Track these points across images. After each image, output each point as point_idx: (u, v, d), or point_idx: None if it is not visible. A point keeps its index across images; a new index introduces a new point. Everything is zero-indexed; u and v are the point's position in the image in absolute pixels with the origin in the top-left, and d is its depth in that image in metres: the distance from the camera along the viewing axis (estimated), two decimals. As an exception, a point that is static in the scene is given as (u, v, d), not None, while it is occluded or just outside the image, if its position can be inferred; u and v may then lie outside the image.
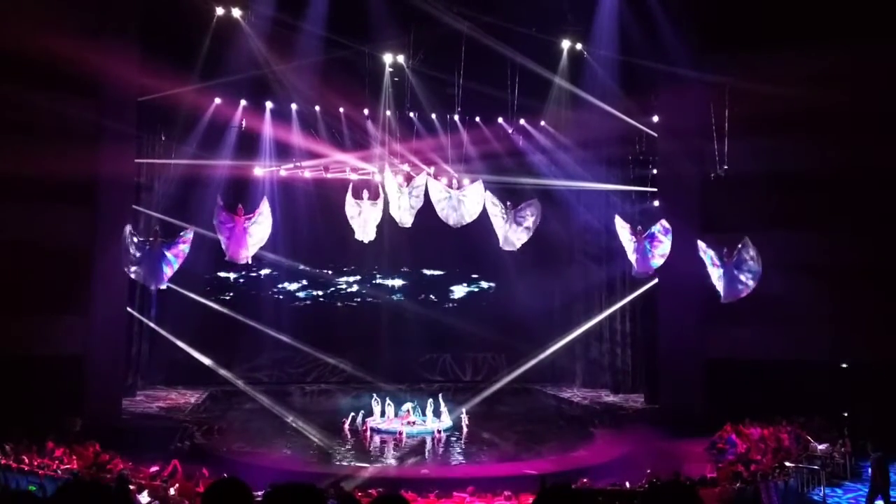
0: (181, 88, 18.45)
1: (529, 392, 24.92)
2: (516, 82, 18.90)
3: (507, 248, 18.18)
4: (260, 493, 4.85)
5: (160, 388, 22.27)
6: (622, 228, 17.53)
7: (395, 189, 17.37)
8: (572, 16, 18.91)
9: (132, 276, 16.16)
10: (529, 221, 17.66)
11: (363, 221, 17.50)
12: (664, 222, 17.10)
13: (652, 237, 16.97)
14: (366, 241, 17.83)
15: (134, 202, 18.98)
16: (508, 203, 17.83)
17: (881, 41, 17.16)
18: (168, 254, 15.63)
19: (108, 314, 17.73)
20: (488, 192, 17.62)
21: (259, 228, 16.32)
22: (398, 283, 26.06)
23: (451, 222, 17.55)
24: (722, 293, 16.29)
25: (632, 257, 17.37)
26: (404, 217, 17.39)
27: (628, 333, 23.20)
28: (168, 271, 15.72)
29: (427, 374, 25.33)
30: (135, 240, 15.71)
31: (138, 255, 15.59)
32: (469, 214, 17.38)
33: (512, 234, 17.61)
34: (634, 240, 17.22)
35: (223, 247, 16.21)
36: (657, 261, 16.98)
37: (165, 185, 21.52)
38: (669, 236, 16.94)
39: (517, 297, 24.50)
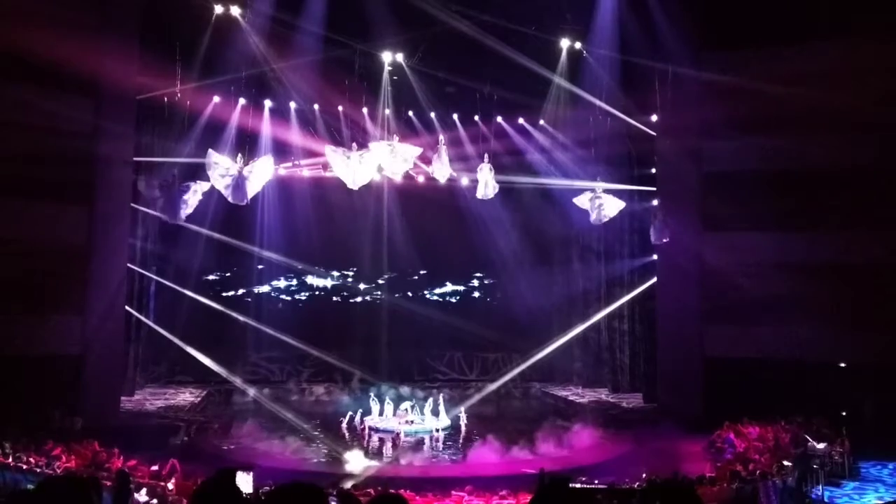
0: (180, 87, 18.42)
1: (528, 391, 24.94)
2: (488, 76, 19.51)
3: (484, 198, 19.34)
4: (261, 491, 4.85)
5: (159, 387, 22.25)
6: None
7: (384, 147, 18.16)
8: (571, 15, 18.90)
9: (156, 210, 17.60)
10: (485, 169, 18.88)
11: (352, 171, 17.96)
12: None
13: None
14: (356, 188, 18.35)
15: (132, 200, 18.94)
16: (486, 156, 19.03)
17: (881, 39, 17.15)
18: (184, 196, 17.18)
19: (107, 313, 17.67)
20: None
21: (259, 173, 17.06)
22: (397, 282, 26.03)
23: (436, 176, 19.01)
24: (652, 238, 18.83)
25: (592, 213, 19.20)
26: (395, 169, 18.45)
27: (627, 332, 23.19)
28: (186, 210, 17.18)
29: (425, 374, 25.35)
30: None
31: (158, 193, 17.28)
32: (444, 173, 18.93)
33: (489, 187, 18.90)
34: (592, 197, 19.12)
35: (224, 193, 16.99)
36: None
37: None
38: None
39: (516, 297, 24.50)
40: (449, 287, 26.62)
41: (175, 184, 17.00)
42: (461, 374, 25.74)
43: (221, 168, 16.73)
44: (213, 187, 17.26)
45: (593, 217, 19.13)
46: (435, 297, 26.44)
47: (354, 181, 17.46)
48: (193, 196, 17.44)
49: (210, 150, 16.92)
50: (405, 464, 16.41)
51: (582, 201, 19.21)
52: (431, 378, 25.17)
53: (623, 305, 22.97)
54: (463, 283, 26.68)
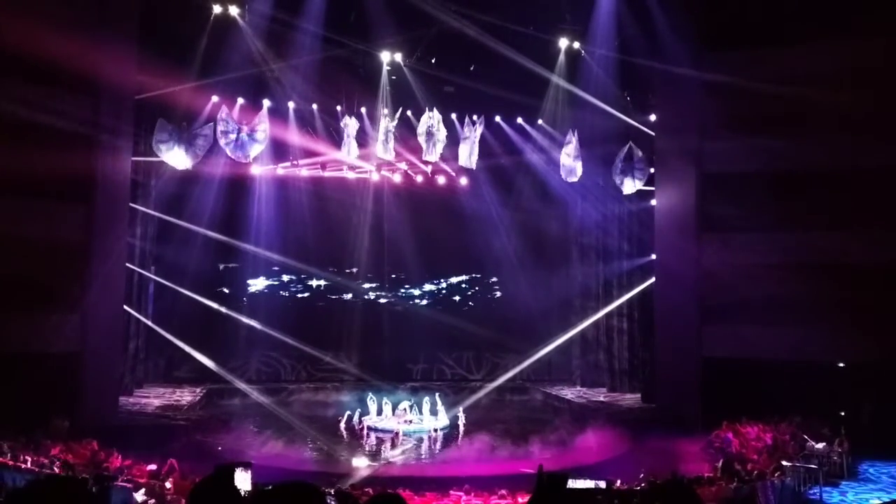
0: (178, 86, 18.41)
1: (526, 391, 24.95)
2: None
3: (468, 165, 20.15)
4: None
5: (157, 386, 22.22)
6: None
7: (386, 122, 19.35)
8: (570, 14, 18.92)
9: (161, 155, 18.36)
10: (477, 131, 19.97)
11: (351, 140, 19.43)
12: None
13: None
14: (348, 158, 19.92)
15: (131, 200, 18.92)
16: (470, 119, 19.99)
17: (880, 39, 17.14)
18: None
19: (106, 312, 17.65)
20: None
21: (260, 138, 18.38)
22: (396, 281, 26.04)
23: (427, 155, 19.75)
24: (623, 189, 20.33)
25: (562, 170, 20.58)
26: (386, 150, 19.48)
27: (625, 332, 23.21)
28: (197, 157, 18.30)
29: (430, 363, 25.37)
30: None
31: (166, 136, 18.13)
32: (441, 142, 19.55)
33: (471, 152, 19.80)
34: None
35: (226, 150, 18.20)
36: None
37: (162, 183, 21.45)
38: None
39: (515, 296, 24.51)
40: (447, 286, 26.61)
41: (186, 130, 17.85)
42: (468, 371, 25.74)
43: (227, 125, 17.77)
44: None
45: (563, 174, 20.23)
46: (433, 297, 26.42)
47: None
48: (204, 140, 18.20)
49: (223, 106, 18.21)
50: (403, 463, 16.41)
51: (567, 150, 20.05)
52: (437, 372, 25.19)
53: (621, 305, 22.97)
54: (461, 283, 26.66)
